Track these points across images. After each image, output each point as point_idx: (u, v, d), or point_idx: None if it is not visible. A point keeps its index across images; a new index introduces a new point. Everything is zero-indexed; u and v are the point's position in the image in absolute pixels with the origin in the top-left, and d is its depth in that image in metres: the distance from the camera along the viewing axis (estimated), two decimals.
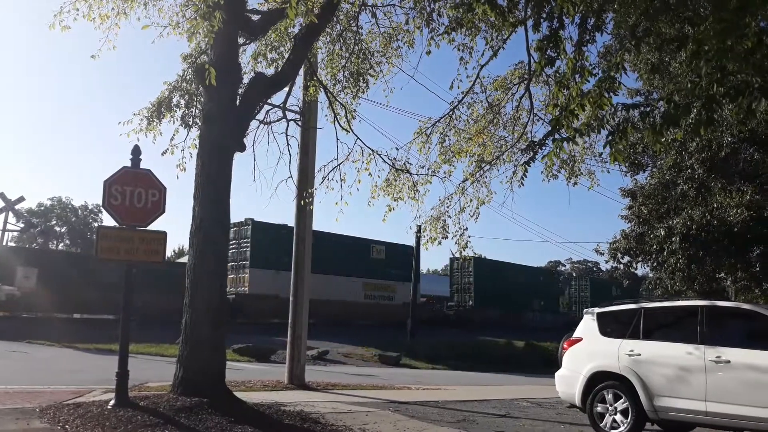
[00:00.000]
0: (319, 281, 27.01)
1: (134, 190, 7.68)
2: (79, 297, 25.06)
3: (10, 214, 24.60)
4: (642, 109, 6.12)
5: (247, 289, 30.52)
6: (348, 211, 11.72)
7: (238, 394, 8.36)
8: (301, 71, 10.84)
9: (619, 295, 39.44)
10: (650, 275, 20.15)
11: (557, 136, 6.22)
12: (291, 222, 13.69)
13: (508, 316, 42.33)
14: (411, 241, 32.14)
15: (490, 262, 43.36)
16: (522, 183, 7.66)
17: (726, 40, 5.22)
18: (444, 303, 45.05)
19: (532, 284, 45.47)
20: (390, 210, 10.14)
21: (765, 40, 5.25)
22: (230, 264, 31.89)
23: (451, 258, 42.75)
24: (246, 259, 30.83)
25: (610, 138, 6.00)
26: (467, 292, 42.92)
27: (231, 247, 31.71)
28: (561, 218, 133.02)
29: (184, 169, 9.55)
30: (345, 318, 33.08)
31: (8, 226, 25.06)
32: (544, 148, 6.79)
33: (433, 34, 9.17)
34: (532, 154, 6.58)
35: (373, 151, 10.21)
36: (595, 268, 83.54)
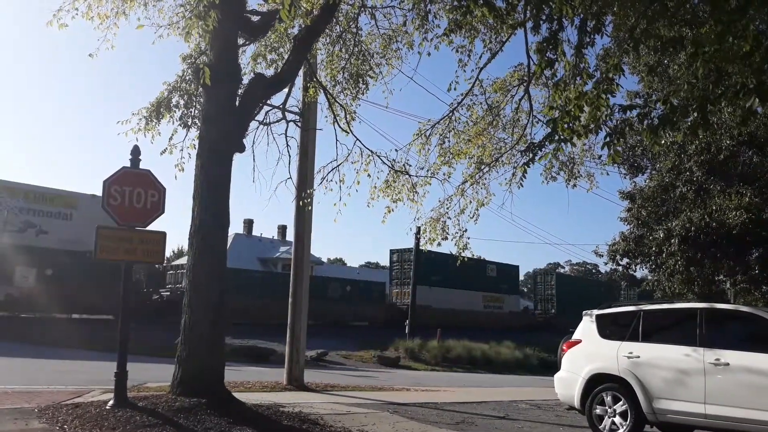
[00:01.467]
0: (444, 294, 40.13)
1: (133, 191, 7.68)
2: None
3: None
4: (640, 110, 6.13)
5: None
6: (347, 212, 11.71)
7: (237, 395, 8.35)
8: (301, 72, 10.85)
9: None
10: (649, 277, 20.17)
11: (556, 137, 6.23)
12: (290, 223, 13.71)
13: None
14: (410, 243, 33.22)
15: (567, 276, 54.40)
16: (521, 184, 7.69)
17: (724, 42, 5.23)
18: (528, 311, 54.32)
19: (597, 293, 49.37)
20: (389, 211, 10.16)
21: (763, 42, 5.26)
22: (395, 281, 42.17)
23: (534, 273, 57.20)
24: (409, 277, 37.60)
25: (608, 139, 6.01)
26: (549, 301, 52.64)
27: (395, 266, 42.57)
28: (560, 220, 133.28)
29: (183, 169, 9.56)
30: (469, 324, 38.71)
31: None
32: (543, 149, 6.80)
33: (432, 36, 9.19)
34: (531, 155, 6.59)
35: (372, 152, 10.23)
36: (594, 270, 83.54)
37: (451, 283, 40.66)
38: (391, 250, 43.87)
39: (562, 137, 6.20)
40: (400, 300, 40.32)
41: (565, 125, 5.99)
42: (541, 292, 54.34)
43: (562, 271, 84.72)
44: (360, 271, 57.53)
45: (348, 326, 35.63)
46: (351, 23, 10.51)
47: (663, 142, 7.14)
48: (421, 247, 27.08)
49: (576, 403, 8.55)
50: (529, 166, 6.75)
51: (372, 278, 46.97)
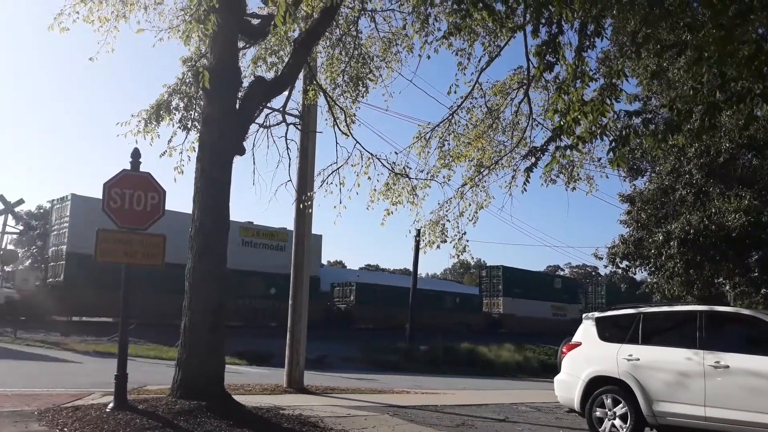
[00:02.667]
0: (520, 304, 49.80)
1: (134, 193, 7.67)
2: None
3: (10, 217, 24.54)
4: (644, 116, 6.15)
5: (501, 310, 49.67)
6: (346, 215, 11.74)
7: (236, 398, 8.35)
8: (301, 75, 10.86)
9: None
10: (648, 280, 20.17)
11: (560, 143, 6.23)
12: (290, 226, 13.74)
13: None
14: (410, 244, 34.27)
15: (616, 285, 55.19)
16: (525, 189, 7.66)
17: (726, 46, 5.24)
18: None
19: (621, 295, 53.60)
20: (388, 214, 10.14)
21: (765, 46, 5.27)
22: (485, 293, 51.46)
23: (585, 285, 65.76)
24: (500, 291, 50.11)
25: (613, 145, 6.00)
26: (599, 308, 54.75)
27: (484, 280, 52.17)
28: (560, 223, 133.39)
29: (182, 172, 9.55)
30: (539, 331, 45.34)
31: (7, 229, 25.00)
32: (545, 154, 6.80)
33: (432, 39, 9.20)
34: (534, 159, 6.59)
35: (372, 155, 10.22)
36: (593, 273, 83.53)
37: (529, 295, 50.22)
38: (480, 267, 58.46)
39: (569, 144, 6.20)
40: (490, 309, 50.03)
41: (572, 131, 5.99)
42: (592, 300, 59.82)
43: (562, 273, 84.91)
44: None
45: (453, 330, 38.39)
46: (351, 26, 10.53)
47: (665, 145, 7.15)
48: (420, 250, 27.30)
49: (576, 405, 8.55)
50: (531, 171, 6.75)
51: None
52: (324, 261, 60.28)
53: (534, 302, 50.58)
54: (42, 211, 63.18)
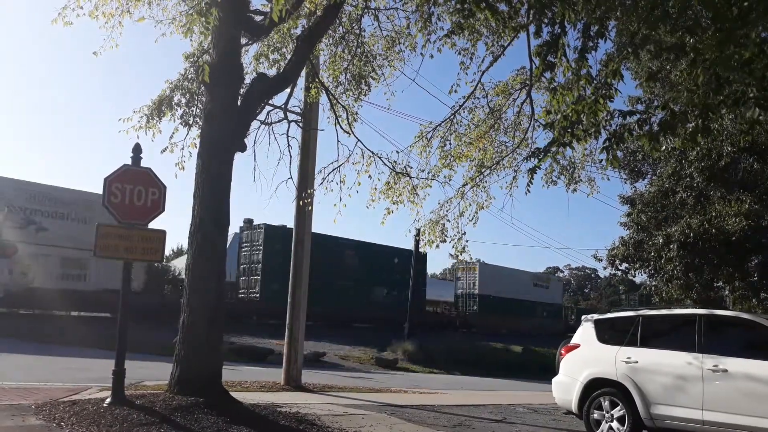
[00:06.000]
0: None
1: (134, 189, 7.67)
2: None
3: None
4: (639, 116, 6.13)
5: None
6: (346, 213, 11.72)
7: (234, 395, 8.34)
8: (303, 73, 10.84)
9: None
10: (648, 282, 20.19)
11: (555, 142, 6.23)
12: (290, 223, 13.73)
13: None
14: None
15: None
16: (528, 190, 7.65)
17: (725, 49, 5.23)
18: None
19: None
20: (389, 213, 10.15)
21: (766, 49, 5.26)
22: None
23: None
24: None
25: (606, 144, 6.01)
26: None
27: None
28: (560, 224, 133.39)
29: (183, 168, 9.56)
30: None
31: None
32: (547, 154, 6.80)
33: (435, 38, 9.19)
34: (537, 161, 6.58)
35: (373, 153, 10.23)
36: (593, 275, 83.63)
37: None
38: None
39: (561, 141, 6.20)
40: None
41: (566, 129, 5.99)
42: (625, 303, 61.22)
43: (560, 275, 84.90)
44: None
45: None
46: (354, 24, 10.52)
47: (663, 148, 7.14)
48: (420, 249, 27.37)
49: (574, 407, 8.55)
50: (535, 172, 6.74)
51: None
52: None
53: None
54: None
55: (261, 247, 31.89)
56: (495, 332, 39.48)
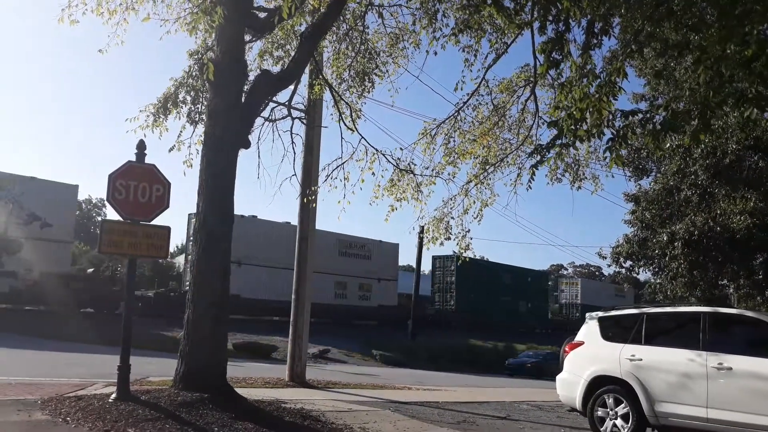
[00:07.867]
0: None
1: (138, 185, 7.68)
2: None
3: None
4: (642, 115, 6.12)
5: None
6: (350, 209, 11.75)
7: (239, 391, 8.36)
8: (307, 70, 10.85)
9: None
10: (652, 280, 20.15)
11: (562, 140, 6.23)
12: (294, 220, 13.75)
13: None
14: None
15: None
16: (530, 186, 7.66)
17: (726, 46, 5.22)
18: None
19: None
20: (393, 210, 10.15)
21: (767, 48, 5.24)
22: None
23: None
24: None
25: (610, 143, 6.00)
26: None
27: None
28: (564, 221, 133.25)
29: (191, 166, 9.56)
30: None
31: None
32: (551, 151, 6.80)
33: (439, 35, 9.19)
34: (540, 157, 6.57)
35: (377, 150, 10.22)
36: (597, 272, 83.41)
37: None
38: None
39: (565, 141, 6.20)
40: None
41: (570, 127, 5.99)
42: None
43: (564, 272, 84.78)
44: None
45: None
46: (358, 21, 10.51)
47: (667, 146, 7.14)
48: (424, 246, 27.39)
49: (578, 404, 8.54)
50: (537, 169, 6.74)
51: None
52: None
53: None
54: None
55: None
56: None
